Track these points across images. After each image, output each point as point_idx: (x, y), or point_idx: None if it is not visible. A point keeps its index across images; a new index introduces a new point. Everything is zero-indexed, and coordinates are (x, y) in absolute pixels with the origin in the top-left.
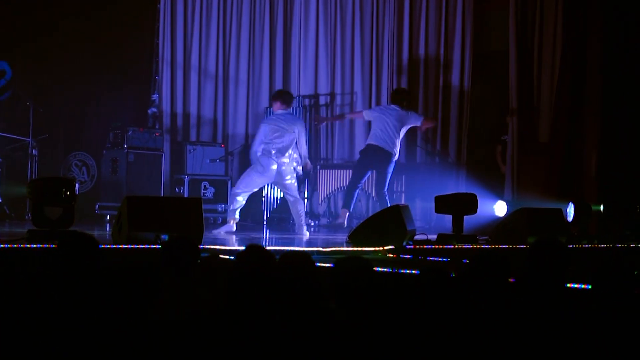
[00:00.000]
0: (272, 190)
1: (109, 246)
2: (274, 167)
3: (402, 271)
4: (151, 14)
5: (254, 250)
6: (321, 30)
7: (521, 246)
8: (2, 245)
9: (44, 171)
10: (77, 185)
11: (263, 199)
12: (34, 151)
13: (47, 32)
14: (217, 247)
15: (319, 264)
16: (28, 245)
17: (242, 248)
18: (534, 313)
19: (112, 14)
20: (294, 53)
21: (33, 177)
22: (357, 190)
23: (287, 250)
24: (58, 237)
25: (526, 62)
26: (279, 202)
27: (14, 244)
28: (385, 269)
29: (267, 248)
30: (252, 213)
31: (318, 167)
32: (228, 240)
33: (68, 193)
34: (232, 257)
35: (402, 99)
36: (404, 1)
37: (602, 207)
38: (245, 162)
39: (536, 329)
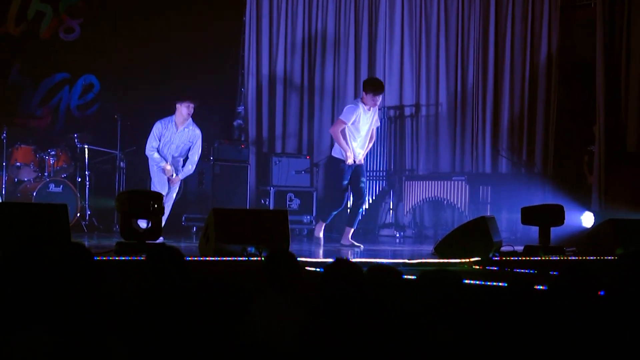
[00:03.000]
0: None
1: (196, 258)
2: None
3: (488, 283)
4: (237, 26)
5: (342, 264)
6: (406, 40)
7: (609, 258)
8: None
9: (131, 183)
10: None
11: (348, 209)
12: (122, 164)
13: (134, 46)
14: (304, 259)
15: (405, 277)
16: (117, 258)
17: (329, 260)
18: (624, 327)
19: (197, 27)
20: (379, 64)
21: (121, 189)
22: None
23: (374, 264)
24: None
25: (613, 71)
26: (364, 212)
27: (103, 257)
28: (471, 281)
29: (354, 260)
30: (336, 225)
31: (403, 178)
32: (314, 252)
33: (156, 206)
34: (318, 270)
35: None
36: (490, 12)
37: None
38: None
39: (627, 342)
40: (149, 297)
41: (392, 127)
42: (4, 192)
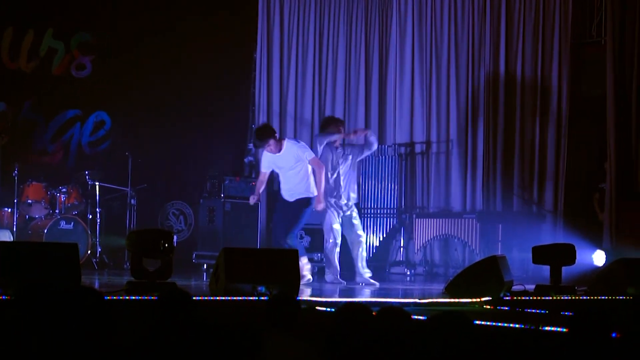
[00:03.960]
0: (369, 237)
1: (206, 298)
2: None
3: (499, 324)
4: (247, 63)
5: (353, 306)
6: (416, 77)
7: (621, 297)
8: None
9: (142, 220)
10: (175, 237)
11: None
12: (132, 201)
13: (145, 83)
14: (314, 298)
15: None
16: (127, 297)
17: (339, 300)
18: None
19: (208, 63)
20: (389, 100)
21: (132, 226)
22: None
23: (384, 305)
24: (157, 291)
25: (624, 108)
26: (374, 250)
27: (113, 296)
28: (482, 322)
29: (363, 299)
30: (347, 262)
31: (414, 215)
32: (324, 291)
33: (166, 245)
34: (328, 309)
35: None
36: (500, 48)
37: None
38: None
39: None
40: (158, 338)
41: (403, 164)
42: (15, 229)
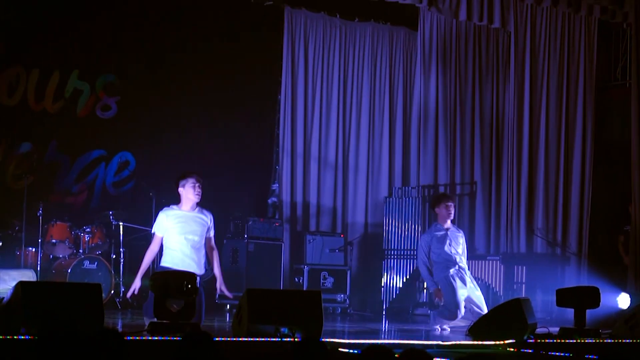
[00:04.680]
0: (392, 279)
1: (229, 338)
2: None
3: None
4: (272, 104)
5: (377, 349)
6: (440, 119)
7: None
8: (125, 337)
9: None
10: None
11: (382, 288)
12: None
13: (170, 124)
14: (337, 340)
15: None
16: (149, 338)
17: (361, 341)
18: None
19: (233, 105)
20: (413, 142)
21: (155, 266)
22: None
23: (407, 347)
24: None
25: None
26: (397, 291)
27: (136, 336)
28: None
29: (386, 341)
30: (370, 302)
31: None
32: (347, 332)
33: (189, 286)
34: (351, 351)
35: None
36: (524, 92)
37: None
38: (364, 252)
39: None
40: None
41: (427, 206)
42: (39, 269)
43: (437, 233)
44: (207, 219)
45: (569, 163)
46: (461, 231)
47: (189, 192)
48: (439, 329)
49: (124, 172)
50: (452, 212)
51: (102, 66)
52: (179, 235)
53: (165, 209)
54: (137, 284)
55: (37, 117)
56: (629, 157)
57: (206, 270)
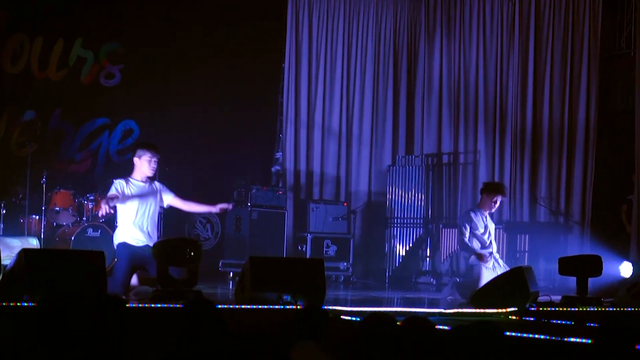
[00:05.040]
0: (395, 247)
1: (231, 306)
2: None
3: (524, 335)
4: (276, 73)
5: (378, 316)
6: (444, 88)
7: None
8: (128, 305)
9: (169, 228)
10: (201, 245)
11: (386, 256)
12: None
13: (174, 92)
14: (340, 307)
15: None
16: (153, 305)
17: (363, 309)
18: None
19: (236, 73)
20: (417, 111)
21: (159, 234)
22: None
23: (409, 314)
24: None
25: None
26: (401, 259)
27: (139, 303)
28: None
29: (390, 309)
30: (374, 271)
31: (440, 225)
32: (350, 300)
33: (192, 254)
34: (353, 319)
35: None
36: (528, 60)
37: None
38: (367, 220)
39: None
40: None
41: (430, 175)
42: (42, 236)
43: (475, 218)
44: (158, 187)
45: (573, 132)
46: (493, 222)
47: (144, 165)
48: (452, 298)
49: (128, 140)
50: (496, 207)
51: (106, 34)
52: (134, 206)
53: (119, 180)
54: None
55: (40, 85)
56: (632, 127)
57: (208, 239)
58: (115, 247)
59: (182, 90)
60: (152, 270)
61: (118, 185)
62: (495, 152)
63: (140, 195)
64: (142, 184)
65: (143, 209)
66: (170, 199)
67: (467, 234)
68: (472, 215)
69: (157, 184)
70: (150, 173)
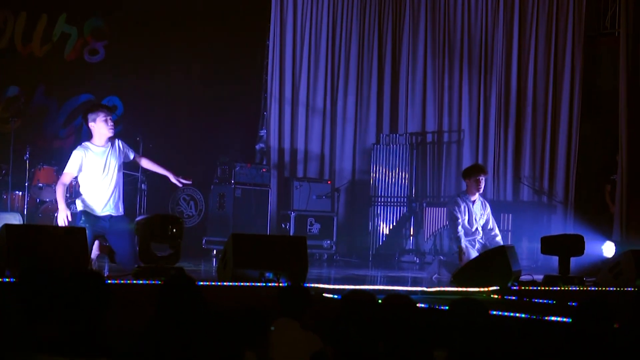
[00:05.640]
0: (379, 225)
1: (213, 283)
2: None
3: (505, 314)
4: (260, 51)
5: (358, 294)
6: (429, 67)
7: (629, 289)
8: (109, 281)
9: (152, 205)
10: (183, 222)
11: (369, 234)
12: (143, 186)
13: (157, 69)
14: (322, 285)
15: (421, 305)
16: (134, 282)
17: (346, 287)
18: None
19: (221, 50)
20: (401, 90)
21: (142, 211)
22: None
23: (390, 293)
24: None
25: (636, 100)
26: (384, 238)
27: (121, 280)
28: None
29: (373, 287)
30: (357, 249)
31: (424, 204)
32: (333, 279)
33: (174, 230)
34: (335, 296)
35: None
36: (513, 40)
37: None
38: (351, 199)
39: None
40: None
41: (414, 153)
42: (25, 212)
43: (462, 204)
44: (119, 146)
45: (557, 111)
46: (487, 204)
47: (101, 127)
48: (437, 277)
49: (112, 117)
50: (482, 186)
51: (90, 10)
52: (97, 174)
53: (79, 147)
54: (66, 211)
55: (24, 61)
56: (617, 106)
57: (192, 216)
58: (77, 214)
59: (165, 67)
60: (112, 241)
61: (76, 157)
62: (479, 131)
63: (102, 161)
64: (102, 148)
65: (105, 174)
66: (132, 156)
67: (460, 220)
68: (459, 200)
69: (118, 142)
70: (110, 132)
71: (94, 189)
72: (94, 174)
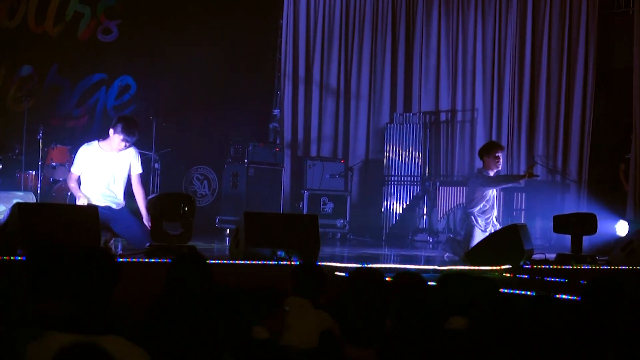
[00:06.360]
0: (392, 205)
1: (226, 262)
2: None
3: (517, 292)
4: (273, 30)
5: (365, 271)
6: (443, 46)
7: None
8: (121, 259)
9: (166, 184)
10: (195, 201)
11: (382, 214)
12: (156, 165)
13: (171, 48)
14: (334, 264)
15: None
16: (146, 260)
17: (357, 265)
18: None
19: (234, 29)
20: (415, 69)
21: (155, 190)
22: None
23: (400, 270)
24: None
25: None
26: (397, 217)
27: (133, 258)
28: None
29: (385, 266)
30: (370, 228)
31: (437, 183)
32: (346, 257)
33: (186, 209)
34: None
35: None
36: (527, 18)
37: None
38: (364, 178)
39: None
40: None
41: (428, 133)
42: (39, 192)
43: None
44: (130, 155)
45: (571, 90)
46: None
47: (114, 141)
48: (450, 256)
49: (125, 96)
50: (500, 163)
51: None
52: (97, 175)
53: (85, 147)
54: (85, 199)
55: (37, 40)
56: (631, 85)
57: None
58: None
59: (179, 46)
60: (117, 228)
61: (80, 157)
62: (493, 110)
63: (104, 166)
64: (107, 154)
65: (105, 178)
66: (134, 173)
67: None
68: (478, 177)
69: (132, 150)
70: (117, 151)
71: (93, 186)
72: (94, 175)
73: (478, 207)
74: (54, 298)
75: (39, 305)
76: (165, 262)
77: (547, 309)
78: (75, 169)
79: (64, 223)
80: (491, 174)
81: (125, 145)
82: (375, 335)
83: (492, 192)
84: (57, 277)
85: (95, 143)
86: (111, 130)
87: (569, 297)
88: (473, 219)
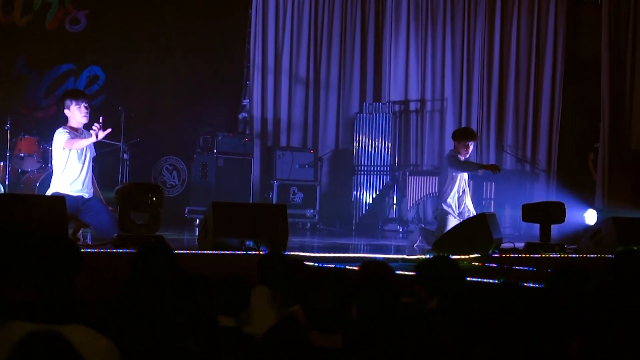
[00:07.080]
0: (362, 195)
1: (194, 252)
2: None
3: (485, 280)
4: (242, 20)
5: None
6: (412, 35)
7: (609, 256)
8: (89, 250)
9: (135, 175)
10: (163, 191)
11: (352, 203)
12: (125, 155)
13: (139, 38)
14: (303, 253)
15: (401, 272)
16: (114, 250)
17: (326, 255)
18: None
19: (203, 19)
20: (385, 59)
21: (124, 181)
22: None
23: (367, 260)
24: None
25: (618, 68)
26: (367, 207)
27: (101, 249)
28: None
29: (354, 255)
30: (340, 218)
31: (407, 173)
32: (316, 247)
33: (154, 199)
34: (315, 264)
35: None
36: (496, 7)
37: None
38: (334, 168)
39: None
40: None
41: (397, 122)
42: (7, 183)
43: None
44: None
45: (540, 80)
46: None
47: (75, 114)
48: (419, 245)
49: (93, 87)
50: (469, 152)
51: None
52: (77, 157)
53: (61, 130)
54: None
55: (5, 31)
56: (599, 74)
57: (175, 186)
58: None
59: (147, 36)
60: (87, 219)
61: (64, 133)
62: (463, 100)
63: (83, 149)
64: (80, 136)
65: (80, 159)
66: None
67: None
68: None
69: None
70: (84, 120)
71: (67, 172)
72: (71, 157)
73: (449, 196)
74: (16, 287)
75: (1, 294)
76: (133, 252)
77: (513, 296)
78: (69, 138)
79: (31, 213)
80: (461, 159)
81: (85, 110)
82: (340, 322)
83: (464, 176)
84: (19, 265)
85: (63, 128)
86: (66, 110)
87: (536, 285)
88: (447, 208)
